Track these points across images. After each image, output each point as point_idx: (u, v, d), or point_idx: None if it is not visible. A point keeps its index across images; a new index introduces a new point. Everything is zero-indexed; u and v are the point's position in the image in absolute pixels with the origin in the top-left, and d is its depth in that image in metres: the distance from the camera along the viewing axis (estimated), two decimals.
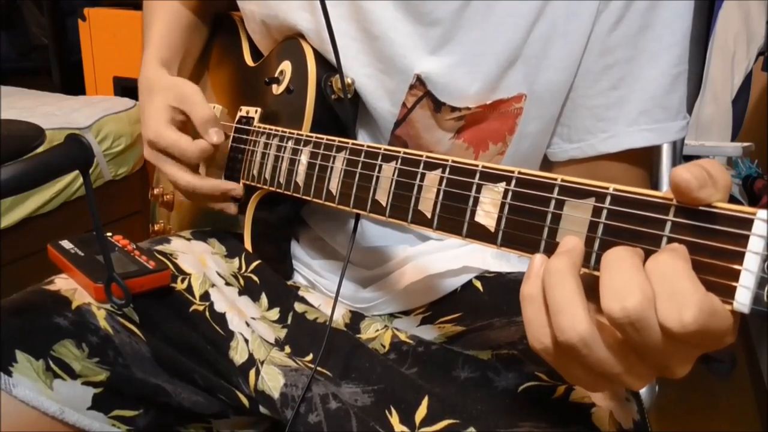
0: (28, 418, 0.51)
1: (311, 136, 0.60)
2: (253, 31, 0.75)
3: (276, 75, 0.69)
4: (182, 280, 0.64)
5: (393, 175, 0.51)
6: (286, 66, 0.68)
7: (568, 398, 0.51)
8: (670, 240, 0.34)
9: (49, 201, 1.57)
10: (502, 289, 0.68)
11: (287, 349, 0.66)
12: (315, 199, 0.59)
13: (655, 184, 0.93)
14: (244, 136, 0.71)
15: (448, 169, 0.46)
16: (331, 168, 0.57)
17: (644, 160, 0.65)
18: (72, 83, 2.40)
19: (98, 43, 2.10)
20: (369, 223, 0.70)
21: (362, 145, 0.54)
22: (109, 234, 0.66)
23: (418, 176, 0.48)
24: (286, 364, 0.63)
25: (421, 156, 0.49)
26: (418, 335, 0.66)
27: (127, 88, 2.07)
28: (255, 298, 0.70)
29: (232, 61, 0.81)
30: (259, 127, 0.69)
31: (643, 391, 0.81)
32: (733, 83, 2.15)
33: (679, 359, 0.35)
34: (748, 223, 0.32)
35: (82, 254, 0.61)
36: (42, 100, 1.91)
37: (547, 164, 0.69)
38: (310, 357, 0.65)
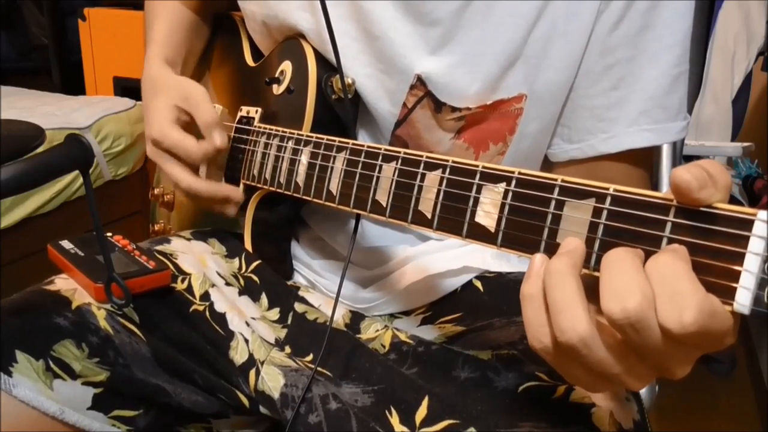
0: (28, 418, 0.51)
1: (311, 136, 0.60)
2: (253, 31, 0.75)
3: (276, 75, 0.69)
4: (182, 280, 0.64)
5: (393, 176, 0.51)
6: (287, 66, 0.68)
7: (568, 398, 0.51)
8: (671, 241, 0.34)
9: (49, 201, 1.57)
10: (503, 289, 0.68)
11: (287, 349, 0.66)
12: (315, 200, 0.59)
13: (655, 185, 0.93)
14: (245, 136, 0.71)
15: (448, 170, 0.46)
16: (332, 168, 0.57)
17: (645, 161, 0.65)
18: (72, 83, 2.40)
19: (98, 43, 2.10)
20: (369, 223, 0.70)
21: (362, 146, 0.54)
22: (109, 234, 0.66)
23: (419, 176, 0.48)
24: (286, 364, 0.63)
25: (422, 156, 0.49)
26: (418, 335, 0.66)
27: (127, 88, 2.07)
28: (255, 298, 0.70)
29: (232, 61, 0.81)
30: (260, 127, 0.69)
31: (643, 391, 0.81)
32: (733, 83, 2.15)
33: (679, 360, 0.35)
34: (748, 224, 0.32)
35: (82, 254, 0.61)
36: (42, 100, 1.91)
37: (547, 164, 0.69)
38: (310, 357, 0.65)
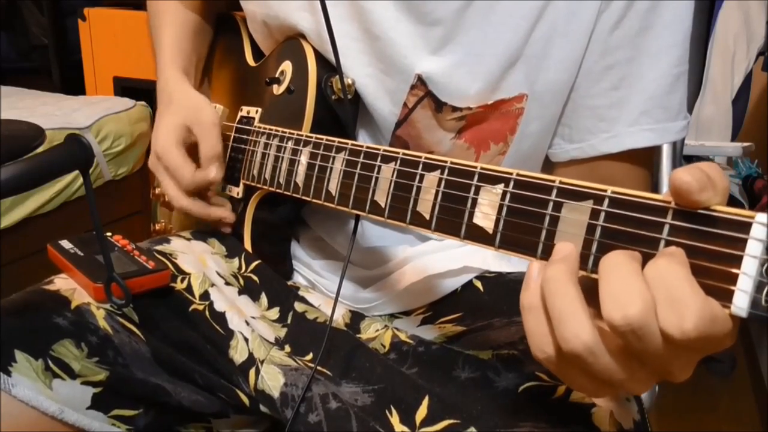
0: (28, 417, 0.51)
1: (311, 137, 0.60)
2: (254, 31, 0.75)
3: (277, 75, 0.69)
4: (182, 280, 0.64)
5: (392, 176, 0.51)
6: (287, 66, 0.68)
7: (568, 398, 0.51)
8: (668, 243, 0.34)
9: (49, 201, 1.57)
10: (503, 289, 0.68)
11: (287, 348, 0.66)
12: (314, 200, 0.59)
13: (655, 185, 0.93)
14: (245, 136, 0.71)
15: (446, 171, 0.46)
16: (331, 168, 0.57)
17: (645, 161, 0.66)
18: (72, 83, 2.40)
19: (98, 43, 2.10)
20: (369, 223, 0.71)
21: (361, 146, 0.54)
22: (108, 234, 0.66)
23: (417, 177, 0.48)
24: (286, 363, 0.63)
25: (420, 157, 0.49)
26: (418, 335, 0.66)
27: (127, 88, 2.07)
28: (255, 298, 0.70)
29: (233, 60, 0.81)
30: (260, 127, 0.69)
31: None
32: (733, 83, 2.15)
33: (680, 364, 0.35)
34: (746, 227, 0.32)
35: (82, 254, 0.61)
36: (42, 100, 1.91)
37: (548, 164, 0.69)
38: (310, 356, 0.65)
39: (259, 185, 0.68)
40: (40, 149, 0.49)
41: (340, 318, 0.71)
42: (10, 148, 0.51)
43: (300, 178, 0.61)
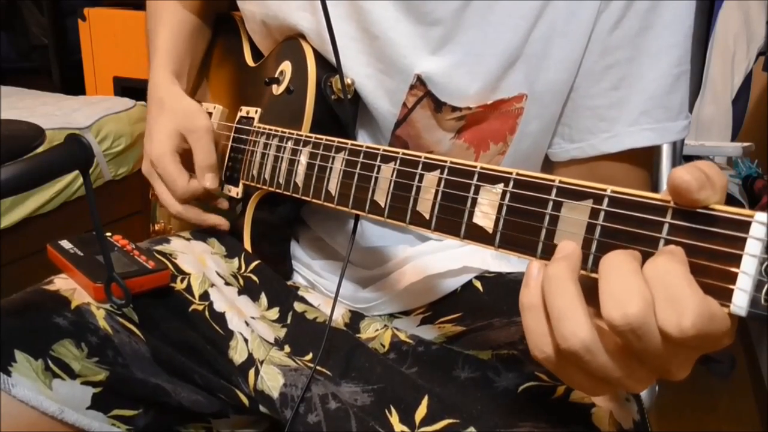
0: (28, 417, 0.51)
1: (310, 137, 0.60)
2: (253, 32, 0.75)
3: (276, 75, 0.69)
4: (182, 280, 0.64)
5: (392, 176, 0.51)
6: (287, 66, 0.68)
7: (568, 398, 0.51)
8: (668, 242, 0.34)
9: (49, 201, 1.57)
10: (502, 289, 0.68)
11: (287, 348, 0.66)
12: (314, 200, 0.59)
13: (655, 185, 0.93)
14: (244, 137, 0.71)
15: (446, 170, 0.46)
16: (330, 168, 0.57)
17: (645, 161, 0.65)
18: (72, 83, 2.40)
19: (98, 43, 2.10)
20: (369, 223, 0.71)
21: (361, 146, 0.54)
22: (108, 234, 0.66)
23: (417, 177, 0.48)
24: (286, 363, 0.63)
25: (420, 157, 0.49)
26: (418, 335, 0.66)
27: (127, 88, 2.07)
28: (254, 298, 0.70)
29: (232, 61, 0.81)
30: (259, 128, 0.69)
31: (643, 391, 0.81)
32: (733, 83, 2.15)
33: (678, 363, 0.35)
34: (745, 226, 0.32)
35: (82, 254, 0.61)
36: (42, 100, 1.91)
37: (547, 164, 0.69)
38: (309, 356, 0.65)
39: (258, 185, 0.68)
40: (40, 149, 0.49)
41: (339, 318, 0.71)
42: (10, 148, 0.51)
43: (300, 178, 0.61)
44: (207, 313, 0.63)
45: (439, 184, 0.47)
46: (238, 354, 0.63)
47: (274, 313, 0.70)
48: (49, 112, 1.75)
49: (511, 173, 0.42)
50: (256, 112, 0.71)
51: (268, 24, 0.69)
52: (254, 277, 0.71)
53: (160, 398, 0.57)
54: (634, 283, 0.33)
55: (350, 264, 0.67)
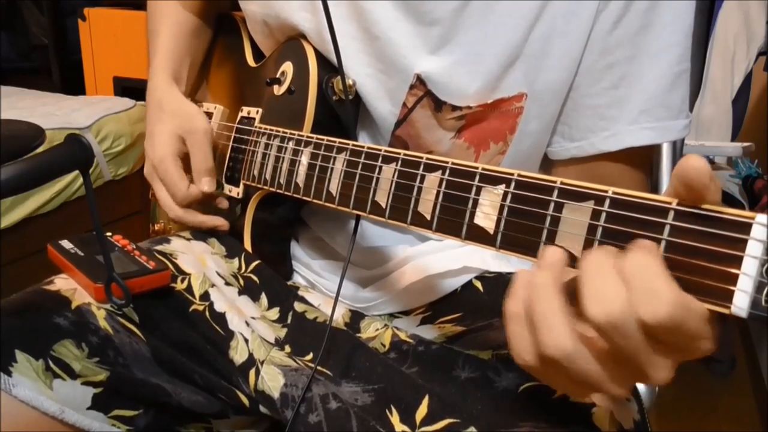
0: (28, 418, 0.51)
1: (312, 137, 0.60)
2: (254, 32, 0.75)
3: (277, 76, 0.69)
4: (182, 280, 0.64)
5: (393, 177, 0.51)
6: (288, 67, 0.68)
7: (568, 398, 0.51)
8: (669, 243, 0.34)
9: (49, 201, 1.57)
10: (502, 289, 0.67)
11: (287, 348, 0.66)
12: (315, 200, 0.59)
13: (654, 184, 0.93)
14: (245, 137, 0.71)
15: (447, 171, 0.46)
16: (332, 169, 0.57)
17: (644, 162, 0.66)
18: (72, 83, 2.40)
19: (98, 43, 2.10)
20: (369, 223, 0.71)
21: (362, 147, 0.54)
22: (109, 234, 0.66)
23: (418, 178, 0.48)
24: (286, 363, 0.63)
25: (421, 158, 0.49)
26: (418, 335, 0.66)
27: (127, 88, 2.07)
28: (255, 298, 0.70)
29: (233, 61, 0.81)
30: (260, 128, 0.69)
31: (643, 391, 0.81)
32: (733, 83, 2.15)
33: (659, 365, 0.35)
34: (746, 227, 0.32)
35: (82, 254, 0.61)
36: (42, 100, 1.91)
37: (546, 163, 0.70)
38: (310, 356, 0.65)
39: (259, 185, 0.68)
40: (40, 149, 0.49)
41: (339, 317, 0.71)
42: (10, 148, 0.51)
43: (301, 179, 0.61)
44: (207, 313, 0.63)
45: (440, 185, 0.47)
46: (238, 354, 0.63)
47: (274, 313, 0.70)
48: (49, 112, 1.75)
49: (512, 174, 0.42)
50: (257, 112, 0.71)
51: (270, 24, 0.69)
52: (254, 277, 0.71)
53: (160, 398, 0.57)
54: (614, 282, 0.33)
55: (350, 264, 0.67)
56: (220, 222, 0.73)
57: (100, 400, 0.54)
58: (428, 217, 0.47)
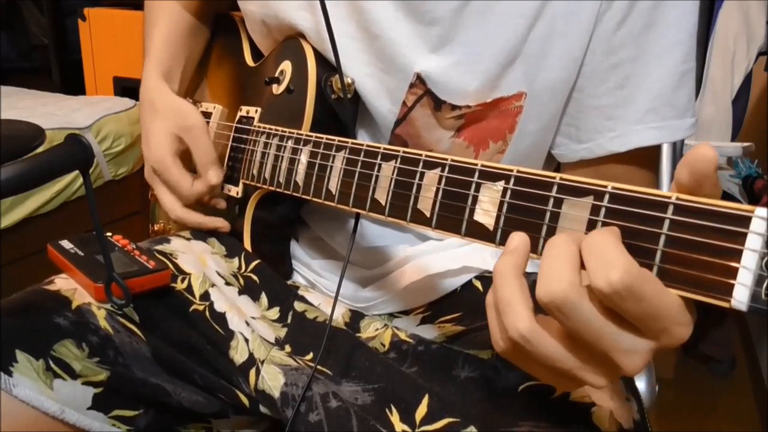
0: (28, 418, 0.51)
1: (311, 136, 0.60)
2: (253, 31, 0.75)
3: (276, 75, 0.69)
4: (182, 280, 0.64)
5: (392, 174, 0.51)
6: (287, 66, 0.68)
7: (568, 398, 0.51)
8: (669, 238, 0.34)
9: (49, 201, 1.57)
10: None
11: (287, 348, 0.66)
12: (314, 199, 0.59)
13: (654, 185, 0.93)
14: (244, 136, 0.71)
15: (447, 168, 0.46)
16: (331, 167, 0.57)
17: (650, 162, 0.65)
18: (72, 83, 2.40)
19: (98, 43, 2.10)
20: (369, 222, 0.71)
21: (362, 145, 0.54)
22: (109, 234, 0.66)
23: (418, 175, 0.48)
24: (287, 363, 0.63)
25: (421, 155, 0.49)
26: (418, 334, 0.66)
27: (127, 88, 2.07)
28: (255, 298, 0.70)
29: (232, 60, 0.81)
30: (259, 127, 0.69)
31: (643, 391, 0.81)
32: (733, 83, 2.15)
33: (624, 349, 0.35)
34: (746, 221, 0.32)
35: (82, 254, 0.61)
36: (42, 100, 1.91)
37: (549, 165, 0.69)
38: (310, 356, 0.65)
39: (258, 185, 0.68)
40: (40, 149, 0.49)
41: (339, 317, 0.71)
42: (10, 148, 0.51)
43: (300, 177, 0.61)
44: (207, 313, 0.63)
45: (439, 182, 0.47)
46: (238, 354, 0.63)
47: (274, 312, 0.70)
48: (49, 112, 1.75)
49: (512, 170, 0.42)
50: (256, 111, 0.71)
51: (268, 23, 0.70)
52: (254, 277, 0.71)
53: (160, 398, 0.57)
54: (559, 264, 0.34)
55: (350, 263, 0.67)
56: (221, 223, 0.73)
57: (101, 400, 0.54)
58: (428, 215, 0.47)
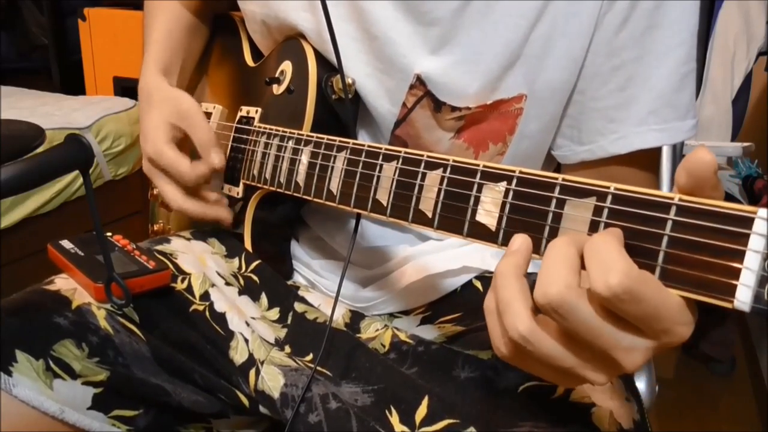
0: (28, 418, 0.51)
1: (312, 136, 0.60)
2: (253, 32, 0.75)
3: (276, 75, 0.69)
4: (182, 280, 0.64)
5: (394, 175, 0.50)
6: (287, 66, 0.68)
7: (568, 398, 0.51)
8: (671, 238, 0.34)
9: (49, 201, 1.57)
10: None
11: (287, 348, 0.66)
12: (315, 199, 0.59)
13: (655, 186, 0.93)
14: (245, 136, 0.71)
15: (449, 169, 0.46)
16: (332, 168, 0.57)
17: (652, 163, 0.65)
18: (72, 83, 2.40)
19: (98, 43, 2.10)
20: (369, 222, 0.70)
21: (363, 145, 0.54)
22: (109, 234, 0.66)
23: (419, 176, 0.48)
24: (286, 363, 0.63)
25: (422, 155, 0.48)
26: (418, 335, 0.66)
27: (127, 88, 2.07)
28: (255, 298, 0.70)
29: (232, 61, 0.81)
30: (260, 127, 0.69)
31: (643, 391, 0.81)
32: (733, 83, 2.15)
33: (626, 347, 0.35)
34: (748, 222, 0.32)
35: (82, 254, 0.61)
36: (42, 100, 1.91)
37: (548, 166, 0.69)
38: (310, 357, 0.65)
39: (259, 185, 0.68)
40: (40, 149, 0.49)
41: (339, 317, 0.71)
42: (10, 148, 0.51)
43: (301, 178, 0.61)
44: (207, 313, 0.63)
45: (441, 183, 0.47)
46: (238, 354, 0.62)
47: (274, 313, 0.70)
48: (49, 112, 1.75)
49: (514, 171, 0.42)
50: (257, 111, 0.71)
51: (269, 24, 0.69)
52: (254, 277, 0.71)
53: (160, 398, 0.57)
54: (556, 266, 0.35)
55: (351, 263, 0.67)
56: (225, 214, 0.71)
57: (101, 400, 0.54)
58: (429, 215, 0.47)
